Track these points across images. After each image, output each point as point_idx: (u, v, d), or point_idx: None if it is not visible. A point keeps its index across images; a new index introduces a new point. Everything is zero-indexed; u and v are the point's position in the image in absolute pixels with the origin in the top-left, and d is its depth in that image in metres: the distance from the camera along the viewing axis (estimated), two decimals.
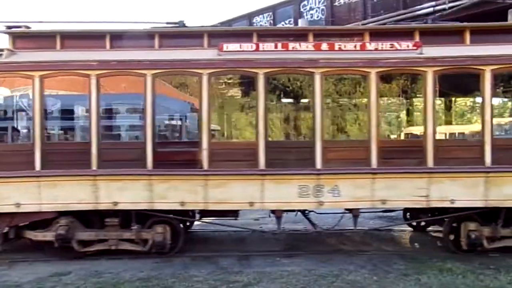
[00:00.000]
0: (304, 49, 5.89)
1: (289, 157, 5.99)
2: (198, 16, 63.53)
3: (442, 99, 9.45)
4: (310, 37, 6.04)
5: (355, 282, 4.84)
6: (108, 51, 6.09)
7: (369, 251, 6.32)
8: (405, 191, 5.69)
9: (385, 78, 6.86)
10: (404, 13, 13.65)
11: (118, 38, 6.15)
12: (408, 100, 9.81)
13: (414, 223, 7.49)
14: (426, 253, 6.13)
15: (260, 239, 7.29)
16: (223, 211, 6.04)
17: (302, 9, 16.51)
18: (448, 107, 10.04)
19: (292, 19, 16.90)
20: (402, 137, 11.55)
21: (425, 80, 5.77)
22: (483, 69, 5.72)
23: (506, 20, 11.55)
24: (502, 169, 5.67)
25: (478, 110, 6.19)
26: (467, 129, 10.70)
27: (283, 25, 17.33)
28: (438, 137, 6.38)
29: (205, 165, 5.72)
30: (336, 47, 5.89)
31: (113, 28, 6.35)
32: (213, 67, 5.82)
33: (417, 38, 5.97)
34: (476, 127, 6.88)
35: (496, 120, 8.45)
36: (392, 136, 12.47)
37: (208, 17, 68.54)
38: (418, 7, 13.28)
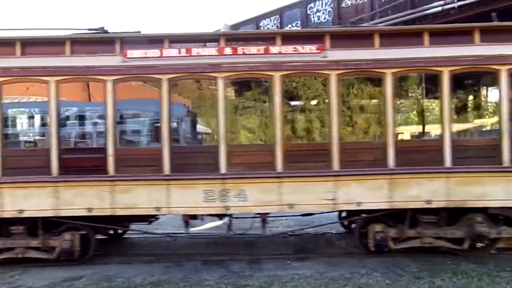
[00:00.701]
0: (207, 54, 5.89)
1: (195, 162, 6.06)
2: (204, 20, 63.93)
3: (351, 101, 9.52)
4: (222, 42, 5.97)
5: (367, 285, 4.79)
6: (18, 58, 5.89)
7: (381, 254, 6.24)
8: (312, 195, 5.71)
9: (290, 81, 6.79)
10: (413, 13, 13.54)
11: (29, 44, 6.00)
12: (315, 103, 9.88)
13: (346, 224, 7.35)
14: (440, 255, 6.03)
15: (270, 243, 7.26)
16: (133, 216, 6.07)
17: (309, 12, 16.49)
18: (354, 110, 10.03)
19: (299, 22, 16.89)
20: (310, 140, 11.41)
21: (329, 83, 5.79)
22: (385, 72, 5.76)
23: None
24: (405, 171, 5.72)
25: (382, 113, 6.13)
26: (372, 132, 10.56)
27: (290, 27, 17.35)
28: (349, 139, 6.40)
29: (111, 171, 5.77)
30: (240, 51, 5.87)
31: (22, 35, 6.16)
32: (118, 73, 5.84)
33: (328, 41, 5.89)
34: (379, 130, 6.89)
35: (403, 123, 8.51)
36: (299, 140, 12.33)
37: (215, 22, 68.87)
38: (427, 6, 13.16)
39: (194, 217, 6.17)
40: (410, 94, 8.47)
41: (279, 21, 17.64)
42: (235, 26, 19.77)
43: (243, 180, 5.75)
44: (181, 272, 5.56)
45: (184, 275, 5.43)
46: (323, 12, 16.04)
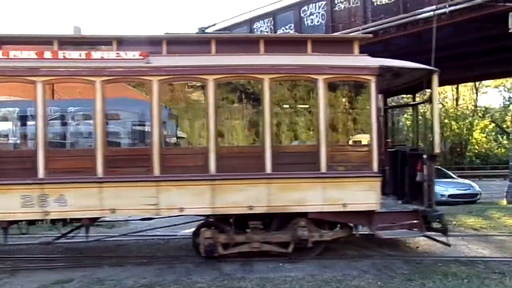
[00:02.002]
0: (26, 57, 5.82)
1: (13, 166, 6.00)
2: (199, 21, 63.81)
3: (174, 107, 9.58)
4: (55, 45, 5.95)
5: (359, 287, 4.80)
6: None
7: (372, 256, 6.29)
8: (134, 200, 5.72)
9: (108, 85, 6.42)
10: (405, 17, 13.69)
11: None
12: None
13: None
14: (431, 258, 6.10)
15: None
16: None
17: (302, 15, 16.57)
18: (180, 115, 9.98)
19: (292, 25, 16.96)
20: (132, 145, 10.94)
21: (151, 89, 5.83)
22: (206, 79, 5.86)
23: (507, 23, 11.58)
24: (226, 177, 5.79)
25: (205, 120, 6.15)
26: (195, 138, 10.29)
27: (283, 30, 17.41)
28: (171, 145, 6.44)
29: None
30: (60, 55, 5.86)
31: None
32: None
33: (213, 45, 6.07)
34: (202, 135, 6.95)
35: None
36: (123, 145, 12.00)
37: (209, 22, 68.80)
38: (419, 11, 13.31)
39: (12, 223, 6.01)
40: (232, 100, 8.49)
41: (272, 23, 17.69)
42: (229, 29, 19.77)
43: (62, 185, 5.68)
44: (173, 275, 5.53)
45: (176, 277, 5.41)
46: (317, 15, 16.13)
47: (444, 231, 6.39)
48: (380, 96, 8.61)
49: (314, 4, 16.31)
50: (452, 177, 14.06)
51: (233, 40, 6.45)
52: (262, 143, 5.94)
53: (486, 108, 35.99)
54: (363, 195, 5.90)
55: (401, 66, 6.73)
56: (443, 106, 33.13)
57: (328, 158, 5.92)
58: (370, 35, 7.17)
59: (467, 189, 12.84)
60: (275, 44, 6.31)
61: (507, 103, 34.24)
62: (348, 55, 6.26)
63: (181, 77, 6.19)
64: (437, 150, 6.36)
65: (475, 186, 13.19)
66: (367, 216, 6.03)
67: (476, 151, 31.97)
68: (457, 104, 33.57)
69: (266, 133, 5.87)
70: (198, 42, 6.37)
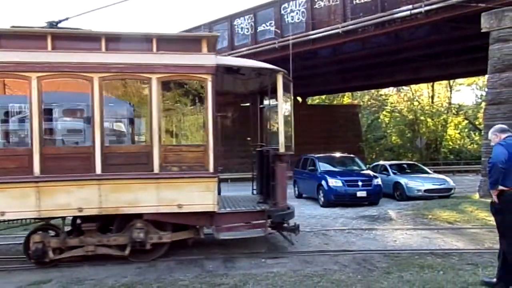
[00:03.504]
0: None
1: None
2: (178, 19, 63.01)
3: None
4: None
5: (340, 281, 4.90)
6: None
7: (353, 251, 6.43)
8: None
9: None
10: (383, 16, 13.95)
11: None
12: None
13: None
14: (409, 251, 6.28)
15: (244, 241, 7.30)
16: None
17: (283, 12, 16.63)
18: None
19: (273, 21, 17.01)
20: None
21: None
22: (30, 76, 5.58)
23: (479, 23, 11.98)
24: (52, 178, 5.62)
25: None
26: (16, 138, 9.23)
27: (264, 27, 17.42)
28: None
29: None
30: None
31: None
32: None
33: (49, 41, 5.69)
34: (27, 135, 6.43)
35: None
36: None
37: (190, 20, 68.07)
38: (396, 10, 13.60)
39: None
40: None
41: (253, 20, 17.68)
42: (209, 25, 19.64)
43: None
44: (154, 273, 5.48)
45: (157, 275, 5.36)
46: (297, 13, 16.23)
47: (293, 230, 6.57)
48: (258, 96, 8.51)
49: (294, 2, 16.41)
50: (428, 173, 14.46)
51: (73, 36, 5.97)
52: (92, 144, 5.77)
53: (459, 106, 37.24)
54: (199, 196, 5.86)
55: (241, 65, 6.58)
56: (419, 103, 34.08)
57: (162, 158, 5.82)
58: (218, 34, 7.08)
59: (442, 184, 13.24)
60: (117, 41, 5.95)
61: (479, 100, 35.48)
62: (195, 53, 6.03)
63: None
64: (281, 149, 6.37)
65: (450, 181, 13.61)
66: (207, 217, 6.02)
67: (450, 147, 32.99)
68: (432, 102, 34.54)
69: (96, 133, 5.72)
70: (33, 37, 5.83)
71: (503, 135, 4.52)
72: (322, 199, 12.01)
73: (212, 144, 5.92)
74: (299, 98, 30.30)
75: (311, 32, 15.71)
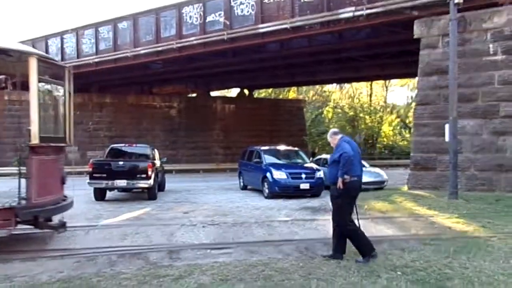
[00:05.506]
0: None
1: None
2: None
3: None
4: None
5: (283, 269, 5.08)
6: None
7: (295, 240, 6.69)
8: None
9: None
10: (328, 15, 14.45)
11: None
12: None
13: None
14: None
15: (189, 232, 7.27)
16: None
17: (232, 3, 16.51)
18: None
19: (222, 12, 16.83)
20: None
21: None
22: None
23: (412, 29, 12.92)
24: None
25: None
26: None
27: (213, 18, 17.19)
28: None
29: None
30: None
31: None
32: None
33: None
34: None
35: None
36: None
37: (137, 4, 64.73)
38: (341, 10, 14.15)
39: None
40: None
41: (202, 9, 17.34)
42: (156, 11, 18.91)
43: None
44: (94, 267, 5.26)
45: (98, 269, 5.15)
46: (247, 5, 16.21)
47: (56, 227, 6.29)
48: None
49: None
50: (365, 166, 15.42)
51: None
52: None
53: (393, 105, 40.08)
54: None
55: None
56: (359, 101, 36.06)
57: None
58: None
59: (377, 177, 14.18)
60: None
61: (410, 101, 38.44)
62: None
63: None
64: (34, 141, 5.63)
65: (383, 174, 14.62)
66: None
67: (385, 143, 35.41)
68: (370, 100, 36.73)
69: None
70: None
71: (338, 136, 5.59)
72: (267, 190, 12.28)
73: None
74: (246, 91, 30.52)
75: (260, 25, 15.81)
